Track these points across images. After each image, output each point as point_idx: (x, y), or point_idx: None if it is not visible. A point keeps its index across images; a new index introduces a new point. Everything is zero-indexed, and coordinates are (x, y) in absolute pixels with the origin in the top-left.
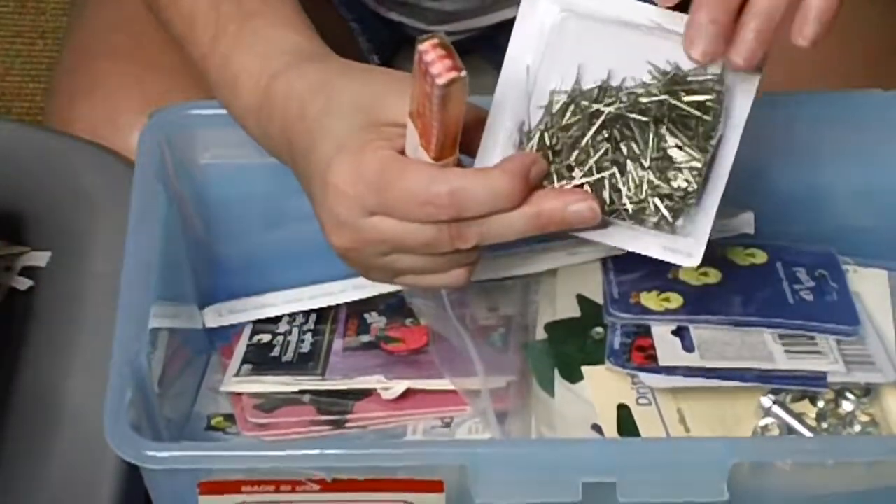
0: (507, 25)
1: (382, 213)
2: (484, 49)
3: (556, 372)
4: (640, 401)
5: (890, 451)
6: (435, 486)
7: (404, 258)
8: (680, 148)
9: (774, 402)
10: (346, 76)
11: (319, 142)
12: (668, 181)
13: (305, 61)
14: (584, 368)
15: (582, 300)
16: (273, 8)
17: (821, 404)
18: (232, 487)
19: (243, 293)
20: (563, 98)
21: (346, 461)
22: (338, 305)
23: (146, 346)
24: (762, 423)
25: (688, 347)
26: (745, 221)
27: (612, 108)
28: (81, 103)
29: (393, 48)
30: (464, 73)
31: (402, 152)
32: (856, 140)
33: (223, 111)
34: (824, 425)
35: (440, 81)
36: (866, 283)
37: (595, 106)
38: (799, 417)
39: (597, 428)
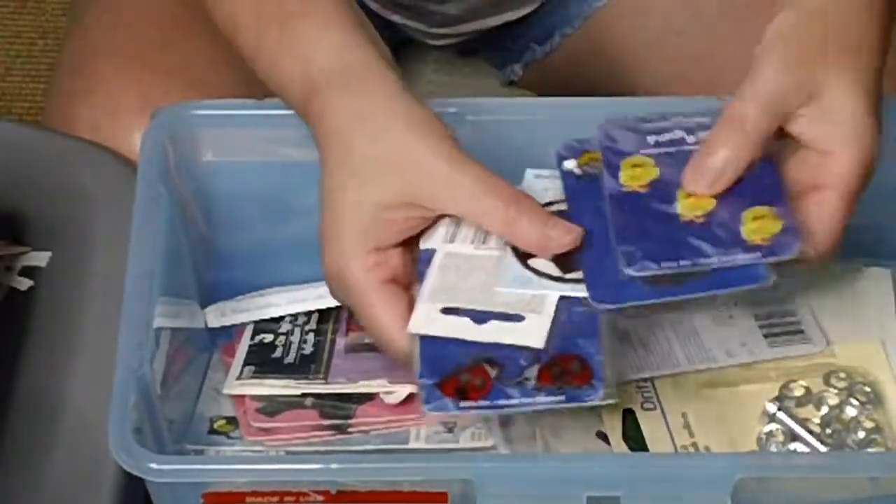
0: (510, 27)
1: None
2: (486, 50)
3: None
4: (645, 405)
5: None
6: (439, 498)
7: None
8: None
9: (779, 409)
10: (366, 131)
11: (329, 201)
12: None
13: (337, 84)
14: None
15: None
16: (314, 7)
17: (825, 410)
18: (236, 499)
19: (246, 291)
20: None
21: (349, 475)
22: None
23: (150, 356)
24: (766, 428)
25: None
26: None
27: None
28: (82, 103)
29: (394, 50)
30: None
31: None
32: None
33: (225, 111)
34: (828, 431)
35: None
36: (869, 282)
37: None
38: (803, 423)
39: (601, 435)
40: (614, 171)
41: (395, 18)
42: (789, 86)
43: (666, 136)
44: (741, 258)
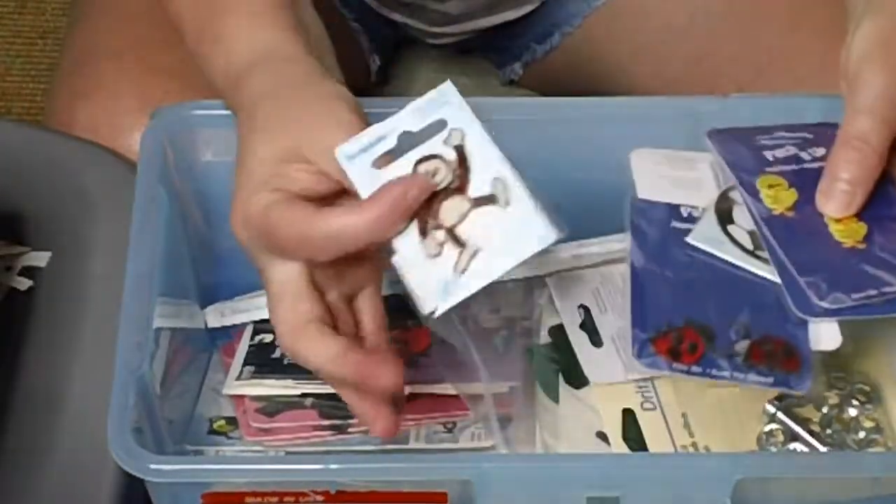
0: (510, 26)
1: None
2: (486, 49)
3: (561, 377)
4: (645, 405)
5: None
6: (439, 498)
7: None
8: None
9: (779, 409)
10: (276, 99)
11: (240, 161)
12: None
13: (257, 69)
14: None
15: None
16: (244, 3)
17: (825, 410)
18: (235, 499)
19: (245, 291)
20: None
21: (349, 475)
22: None
23: (149, 356)
24: (766, 428)
25: None
26: None
27: None
28: (82, 103)
29: (394, 48)
30: None
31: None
32: None
33: (224, 111)
34: (829, 431)
35: None
36: None
37: None
38: (803, 423)
39: (601, 435)
40: (752, 190)
41: (396, 17)
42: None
43: (780, 153)
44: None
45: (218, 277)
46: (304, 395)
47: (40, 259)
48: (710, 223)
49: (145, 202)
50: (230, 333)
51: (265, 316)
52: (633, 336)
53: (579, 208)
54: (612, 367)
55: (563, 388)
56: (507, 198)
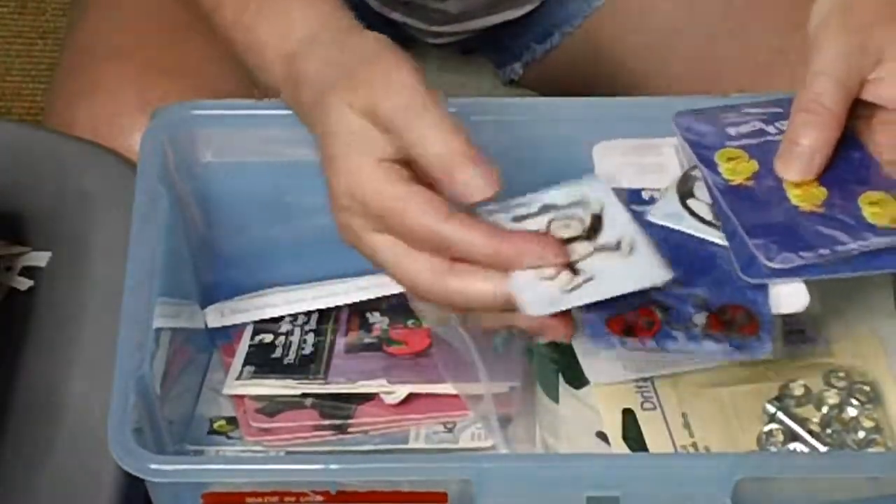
0: (510, 25)
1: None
2: (486, 49)
3: (561, 377)
4: (645, 405)
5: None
6: (439, 498)
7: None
8: None
9: (779, 409)
10: (342, 62)
11: (323, 146)
12: None
13: (322, 40)
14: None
15: None
16: None
17: (825, 409)
18: (235, 499)
19: (245, 291)
20: None
21: (349, 475)
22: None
23: (149, 356)
24: (766, 428)
25: None
26: None
27: None
28: (82, 104)
29: None
30: None
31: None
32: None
33: (224, 111)
34: (828, 431)
35: None
36: (868, 282)
37: None
38: (803, 423)
39: (601, 435)
40: (711, 164)
41: (396, 16)
42: (855, 52)
43: (745, 128)
44: (875, 241)
45: (218, 277)
46: (305, 395)
47: (40, 259)
48: (670, 200)
49: (145, 202)
50: (230, 333)
51: (265, 316)
52: (584, 319)
53: None
54: (612, 367)
55: (563, 388)
56: (632, 248)
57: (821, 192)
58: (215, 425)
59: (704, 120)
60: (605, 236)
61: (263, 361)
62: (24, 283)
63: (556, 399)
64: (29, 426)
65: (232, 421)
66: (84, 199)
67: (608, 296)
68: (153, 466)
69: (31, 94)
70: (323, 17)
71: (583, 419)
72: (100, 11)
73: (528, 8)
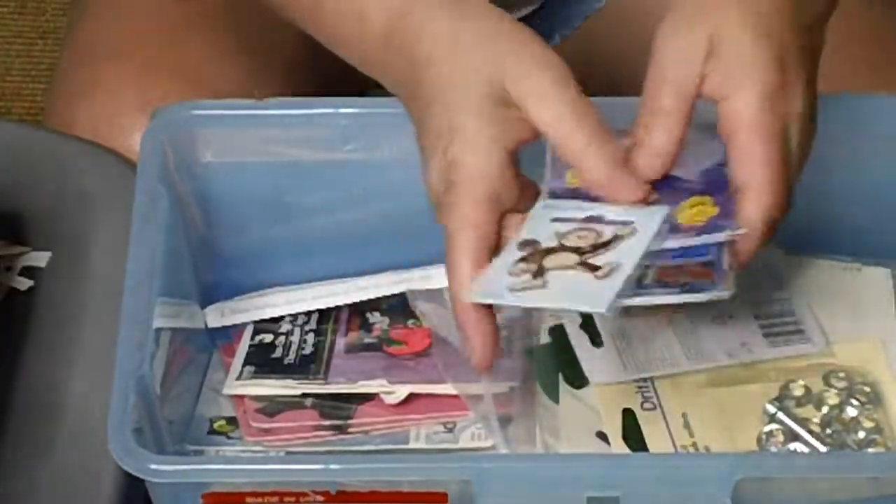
0: None
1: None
2: None
3: (561, 377)
4: (645, 405)
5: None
6: (439, 499)
7: None
8: None
9: (779, 409)
10: (478, 32)
11: (439, 105)
12: None
13: (440, 2)
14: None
15: None
16: None
17: (825, 410)
18: (236, 499)
19: (245, 291)
20: None
21: (349, 475)
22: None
23: (149, 356)
24: (766, 428)
25: None
26: None
27: None
28: (81, 104)
29: None
30: None
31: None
32: (857, 142)
33: (224, 111)
34: (829, 431)
35: None
36: (869, 282)
37: None
38: (803, 423)
39: (601, 435)
40: (560, 169)
41: None
42: (684, 50)
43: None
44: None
45: (218, 277)
46: (305, 396)
47: (40, 259)
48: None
49: (145, 202)
50: (230, 333)
51: (265, 316)
52: None
53: None
54: (612, 368)
55: (563, 388)
56: (607, 274)
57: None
58: (215, 425)
59: None
60: (600, 258)
61: (263, 361)
62: (24, 283)
63: (556, 399)
64: (29, 426)
65: (232, 421)
66: (84, 199)
67: (539, 306)
68: (153, 466)
69: (31, 94)
70: None
71: (583, 419)
72: (100, 11)
73: (525, 11)
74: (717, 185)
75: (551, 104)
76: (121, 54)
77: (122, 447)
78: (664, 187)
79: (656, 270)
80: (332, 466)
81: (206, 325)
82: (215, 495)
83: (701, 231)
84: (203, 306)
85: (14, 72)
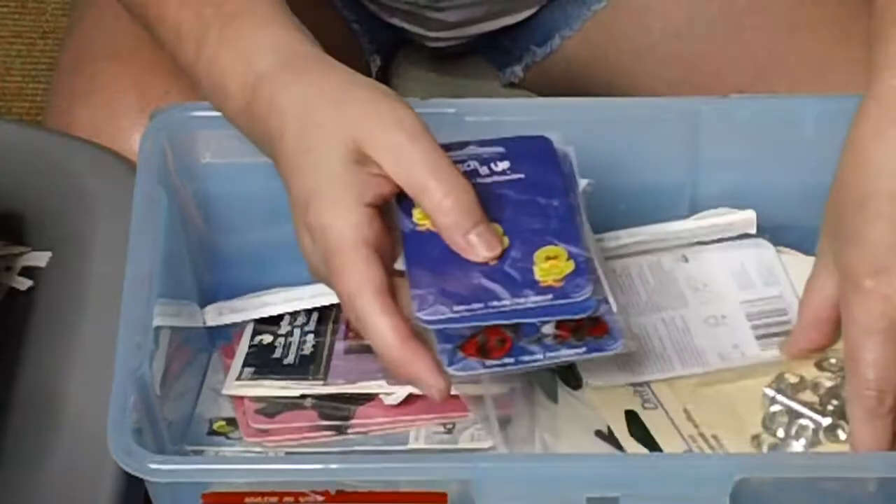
0: (510, 29)
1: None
2: (486, 51)
3: (559, 378)
4: (646, 405)
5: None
6: (438, 499)
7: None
8: None
9: (777, 391)
10: (326, 97)
11: (296, 175)
12: None
13: (289, 68)
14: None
15: None
16: (254, 7)
17: (822, 392)
18: (235, 499)
19: (245, 291)
20: None
21: (349, 475)
22: (339, 305)
23: (149, 357)
24: (771, 409)
25: None
26: (748, 221)
27: None
28: (82, 104)
29: (395, 49)
30: None
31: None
32: None
33: None
34: (829, 407)
35: None
36: None
37: None
38: (803, 403)
39: (601, 435)
40: (407, 208)
41: (394, 21)
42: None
43: (460, 168)
44: (533, 299)
45: (217, 278)
46: (304, 396)
47: (40, 259)
48: None
49: (145, 203)
50: (230, 333)
51: (264, 314)
52: (439, 349)
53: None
54: (607, 371)
55: (562, 389)
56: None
57: (504, 241)
58: (215, 426)
59: None
60: None
61: (263, 362)
62: (24, 283)
63: (554, 399)
64: (29, 426)
65: (232, 422)
66: (84, 199)
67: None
68: (152, 466)
69: (31, 94)
70: (284, 42)
71: (582, 419)
72: (100, 12)
73: (526, 14)
74: (568, 231)
75: (405, 158)
76: (121, 55)
77: (121, 447)
78: (519, 234)
79: (555, 326)
80: (332, 466)
81: (205, 324)
82: (215, 495)
83: (560, 295)
84: (202, 306)
85: (14, 72)
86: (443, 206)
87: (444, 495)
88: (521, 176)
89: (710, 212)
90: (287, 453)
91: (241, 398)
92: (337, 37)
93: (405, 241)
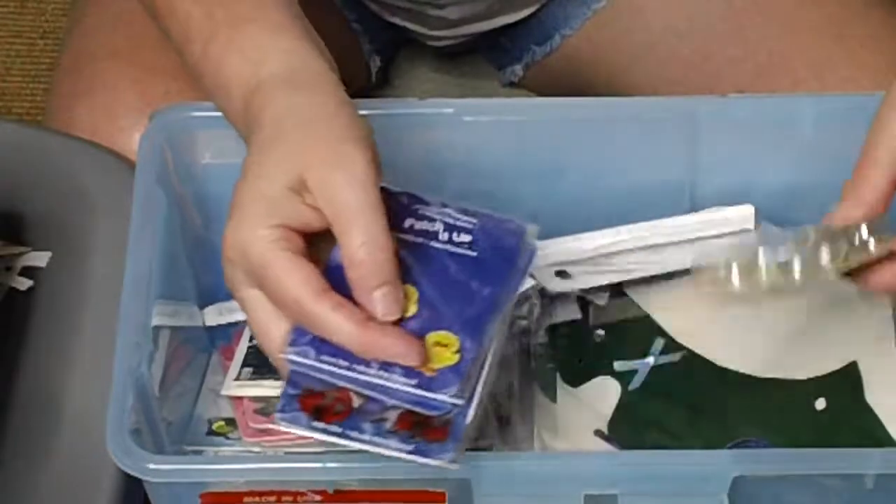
0: (510, 28)
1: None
2: (486, 51)
3: (559, 376)
4: None
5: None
6: (437, 498)
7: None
8: None
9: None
10: (300, 118)
11: (241, 182)
12: None
13: (285, 82)
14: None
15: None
16: (266, 13)
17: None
18: (234, 499)
19: None
20: None
21: (347, 475)
22: None
23: (147, 357)
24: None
25: None
26: (746, 216)
27: None
28: (81, 104)
29: (395, 49)
30: None
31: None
32: (855, 140)
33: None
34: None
35: None
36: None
37: None
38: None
39: (599, 433)
40: None
41: (395, 20)
42: None
43: (424, 225)
44: (396, 380)
45: (217, 278)
46: None
47: (40, 259)
48: None
49: (144, 203)
50: (229, 333)
51: None
52: (282, 391)
53: (578, 207)
54: None
55: (561, 387)
56: None
57: (410, 309)
58: (214, 426)
59: (402, 198)
60: None
61: (262, 362)
62: (24, 283)
63: (554, 398)
64: (28, 426)
65: (231, 422)
66: (84, 199)
67: None
68: (151, 466)
69: (31, 94)
70: (293, 56)
71: (581, 418)
72: (99, 12)
73: (526, 12)
74: (476, 325)
75: (338, 198)
76: (120, 54)
77: (120, 447)
78: (429, 308)
79: (401, 415)
80: (330, 465)
81: (205, 325)
82: (213, 495)
83: (424, 385)
84: (202, 307)
85: (14, 72)
86: (357, 256)
87: (442, 494)
88: (474, 255)
89: (710, 209)
90: (286, 453)
91: (240, 398)
92: (337, 37)
93: (326, 272)
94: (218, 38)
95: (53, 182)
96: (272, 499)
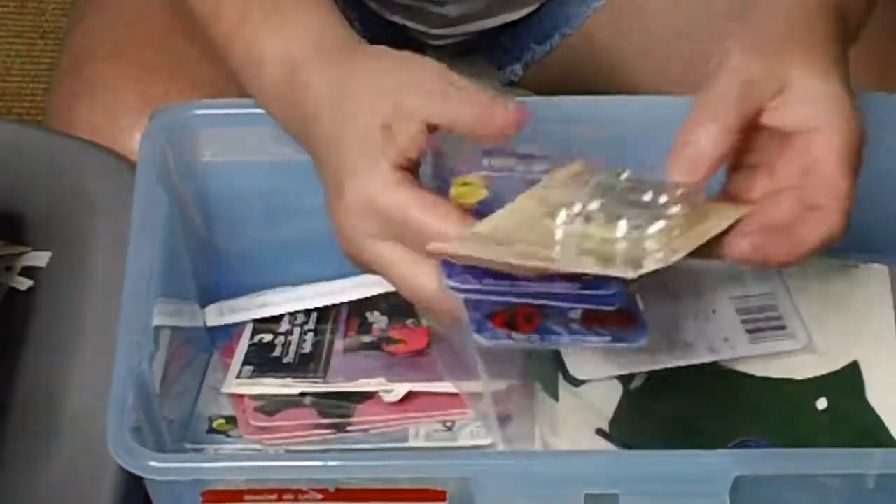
0: (510, 27)
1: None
2: (485, 50)
3: (560, 375)
4: None
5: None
6: (438, 496)
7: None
8: None
9: None
10: (359, 73)
11: (334, 154)
12: None
13: (328, 54)
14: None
15: None
16: None
17: None
18: (235, 497)
19: (245, 291)
20: None
21: (348, 473)
22: (339, 304)
23: (148, 356)
24: None
25: None
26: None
27: None
28: (82, 104)
29: (395, 48)
30: None
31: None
32: None
33: (224, 111)
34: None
35: None
36: (867, 279)
37: None
38: None
39: (601, 432)
40: (445, 187)
41: (395, 19)
42: (760, 74)
43: (498, 162)
44: (560, 286)
45: (218, 277)
46: (304, 394)
47: (40, 259)
48: None
49: (144, 203)
50: (230, 333)
51: (265, 314)
52: (469, 317)
53: None
54: (595, 362)
55: (563, 386)
56: None
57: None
58: (215, 424)
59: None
60: None
61: (263, 361)
62: (24, 283)
63: (555, 397)
64: (29, 426)
65: (231, 420)
66: (84, 199)
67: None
68: (153, 464)
69: (31, 94)
70: (324, 29)
71: (582, 417)
72: (100, 11)
73: (526, 10)
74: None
75: (439, 101)
76: (121, 54)
77: (121, 446)
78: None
79: (583, 314)
80: (331, 464)
81: (206, 325)
82: (214, 493)
83: (588, 285)
84: (203, 306)
85: (14, 72)
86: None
87: (443, 493)
88: None
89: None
90: (286, 451)
91: (241, 396)
92: None
93: None
94: (251, 16)
95: (53, 182)
96: (273, 497)
